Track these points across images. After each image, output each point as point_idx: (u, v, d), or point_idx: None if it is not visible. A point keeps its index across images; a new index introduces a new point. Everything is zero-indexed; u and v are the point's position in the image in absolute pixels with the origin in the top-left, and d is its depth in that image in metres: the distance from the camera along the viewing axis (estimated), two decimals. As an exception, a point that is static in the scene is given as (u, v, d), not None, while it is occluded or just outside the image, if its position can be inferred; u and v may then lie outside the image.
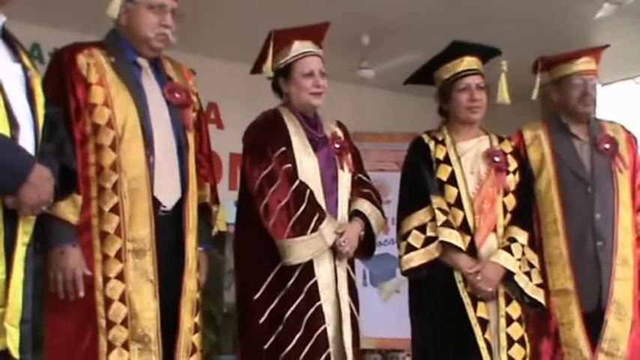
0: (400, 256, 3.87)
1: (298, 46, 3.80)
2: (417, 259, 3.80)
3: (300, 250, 3.56)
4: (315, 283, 3.60)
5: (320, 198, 3.68)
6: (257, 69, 3.91)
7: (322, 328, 3.57)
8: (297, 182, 3.63)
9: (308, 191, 3.63)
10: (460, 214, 3.84)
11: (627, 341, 4.03)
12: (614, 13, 6.07)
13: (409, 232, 3.83)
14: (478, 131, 4.07)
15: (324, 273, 3.65)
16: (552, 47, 4.49)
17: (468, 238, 3.82)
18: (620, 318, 4.02)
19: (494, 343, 3.76)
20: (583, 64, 4.24)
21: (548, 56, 4.34)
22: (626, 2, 5.85)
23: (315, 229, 3.57)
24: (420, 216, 3.84)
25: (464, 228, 3.82)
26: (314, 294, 3.59)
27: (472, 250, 3.81)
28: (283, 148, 3.67)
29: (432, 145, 3.98)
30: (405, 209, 3.90)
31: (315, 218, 3.59)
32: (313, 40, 3.86)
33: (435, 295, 3.87)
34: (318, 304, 3.59)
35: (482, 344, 3.72)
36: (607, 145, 4.20)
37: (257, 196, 3.60)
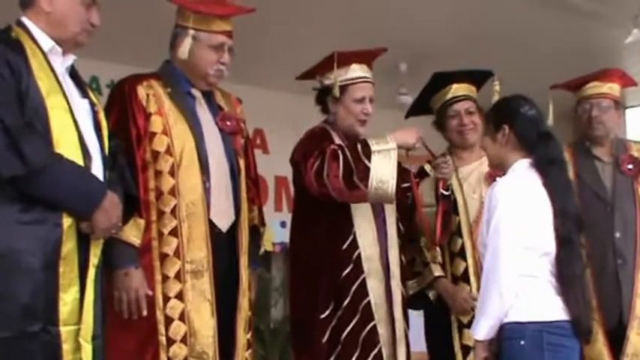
0: None
1: (356, 69, 3.57)
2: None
3: (382, 167, 3.33)
4: (369, 302, 3.42)
5: (369, 218, 3.47)
6: (307, 76, 3.69)
7: (377, 348, 3.40)
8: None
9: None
10: (459, 242, 3.72)
11: None
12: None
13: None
14: (480, 153, 3.75)
15: (376, 292, 3.45)
16: (585, 70, 4.20)
17: (463, 265, 3.69)
18: None
19: None
20: (590, 88, 4.01)
21: (558, 84, 4.10)
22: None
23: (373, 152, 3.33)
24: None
25: (460, 255, 3.70)
26: (368, 314, 3.41)
27: (466, 277, 3.69)
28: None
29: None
30: None
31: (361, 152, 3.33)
32: (368, 63, 3.63)
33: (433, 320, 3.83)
34: (372, 323, 3.41)
35: None
36: (630, 166, 3.97)
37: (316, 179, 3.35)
